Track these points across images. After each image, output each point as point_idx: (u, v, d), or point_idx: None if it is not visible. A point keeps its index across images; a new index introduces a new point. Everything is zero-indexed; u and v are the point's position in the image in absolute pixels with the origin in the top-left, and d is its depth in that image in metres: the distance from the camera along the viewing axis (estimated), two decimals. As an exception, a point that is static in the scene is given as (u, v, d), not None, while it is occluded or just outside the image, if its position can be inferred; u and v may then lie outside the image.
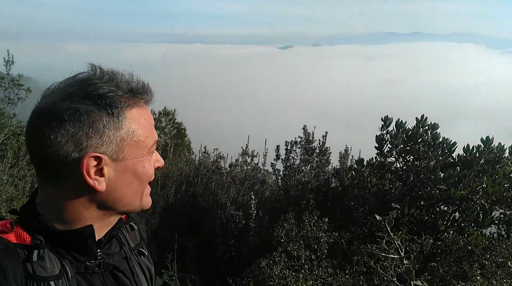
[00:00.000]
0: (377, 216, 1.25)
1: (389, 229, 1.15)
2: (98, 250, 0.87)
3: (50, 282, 0.78)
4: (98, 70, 0.83)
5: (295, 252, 2.50)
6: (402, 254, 1.14)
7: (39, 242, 0.79)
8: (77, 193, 0.82)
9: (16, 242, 0.79)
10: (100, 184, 0.81)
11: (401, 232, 1.42)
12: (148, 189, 0.91)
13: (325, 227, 2.70)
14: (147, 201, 0.91)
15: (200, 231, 3.97)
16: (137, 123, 0.84)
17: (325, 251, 2.56)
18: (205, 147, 5.02)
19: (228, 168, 4.69)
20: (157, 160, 0.91)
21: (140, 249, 1.01)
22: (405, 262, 1.17)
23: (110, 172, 0.82)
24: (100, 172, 0.81)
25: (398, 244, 1.14)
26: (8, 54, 4.16)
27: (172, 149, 5.33)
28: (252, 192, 3.87)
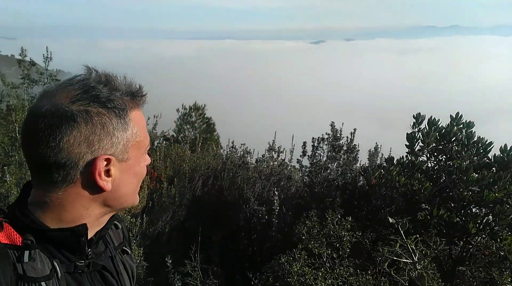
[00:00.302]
0: (390, 219, 1.22)
1: (402, 232, 1.11)
2: (89, 250, 0.87)
3: (41, 282, 0.77)
4: (94, 73, 0.83)
5: (316, 250, 2.48)
6: (415, 258, 1.10)
7: (30, 243, 0.78)
8: (82, 193, 0.82)
9: (6, 242, 0.78)
10: (107, 185, 0.83)
11: (415, 236, 1.38)
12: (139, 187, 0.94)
13: (348, 226, 2.65)
14: (138, 199, 0.94)
15: (224, 225, 4.02)
16: (138, 125, 0.87)
17: (347, 250, 2.52)
18: (232, 142, 5.05)
19: (255, 163, 4.70)
20: (146, 158, 0.94)
21: (124, 247, 1.03)
22: (417, 267, 1.13)
23: (116, 172, 0.84)
24: (107, 172, 0.83)
25: (412, 248, 1.11)
26: (47, 51, 4.34)
27: (200, 144, 5.41)
28: (275, 188, 3.86)
